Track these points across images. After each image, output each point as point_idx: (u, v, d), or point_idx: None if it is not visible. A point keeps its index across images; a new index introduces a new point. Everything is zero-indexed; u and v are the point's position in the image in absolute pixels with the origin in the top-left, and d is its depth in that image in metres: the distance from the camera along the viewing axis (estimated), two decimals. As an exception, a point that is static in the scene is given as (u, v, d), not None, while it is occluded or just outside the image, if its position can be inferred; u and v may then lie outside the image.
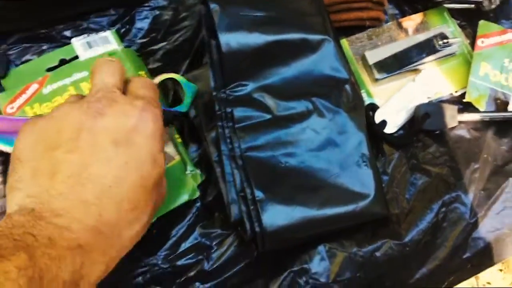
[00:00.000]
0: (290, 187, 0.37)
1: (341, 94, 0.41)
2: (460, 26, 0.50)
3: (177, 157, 0.41)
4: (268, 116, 0.39)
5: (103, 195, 0.28)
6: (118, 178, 0.28)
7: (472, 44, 0.49)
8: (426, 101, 0.47)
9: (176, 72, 0.45)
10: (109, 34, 0.46)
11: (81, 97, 0.32)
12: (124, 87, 0.33)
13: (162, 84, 0.44)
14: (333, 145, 0.39)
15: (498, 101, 0.47)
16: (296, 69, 0.40)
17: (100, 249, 0.27)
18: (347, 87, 0.41)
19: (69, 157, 0.28)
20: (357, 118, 0.41)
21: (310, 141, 0.39)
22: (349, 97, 0.41)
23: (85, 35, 0.45)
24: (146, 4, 0.48)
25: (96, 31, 0.47)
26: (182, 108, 0.41)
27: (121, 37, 0.47)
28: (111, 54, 0.44)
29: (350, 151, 0.39)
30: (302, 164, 0.38)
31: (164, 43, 0.47)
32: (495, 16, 0.51)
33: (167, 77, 0.42)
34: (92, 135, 0.28)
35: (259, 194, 0.36)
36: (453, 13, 0.51)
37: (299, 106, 0.40)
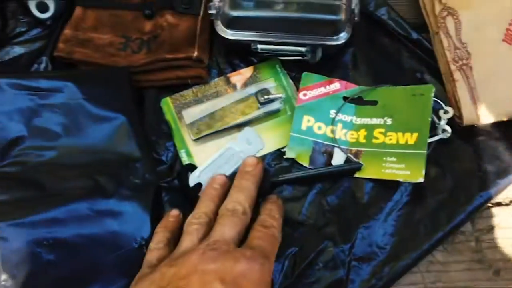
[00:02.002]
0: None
1: (129, 173, 0.40)
2: (295, 78, 0.49)
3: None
4: (39, 194, 0.38)
5: None
6: None
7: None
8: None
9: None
10: None
11: (199, 241, 0.35)
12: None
13: None
14: (107, 229, 0.38)
15: (325, 154, 0.46)
16: (83, 143, 0.40)
17: None
18: (138, 165, 0.40)
19: None
20: (143, 198, 0.39)
21: (83, 223, 0.37)
22: (138, 176, 0.40)
23: None
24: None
25: None
26: None
27: None
28: None
29: (127, 235, 0.38)
30: (66, 252, 0.36)
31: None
32: (334, 66, 0.49)
33: None
34: (201, 276, 0.31)
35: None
36: (289, 65, 0.49)
37: (78, 184, 0.39)
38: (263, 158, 0.46)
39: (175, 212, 0.40)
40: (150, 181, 0.41)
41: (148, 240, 0.39)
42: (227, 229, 0.35)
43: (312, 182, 0.45)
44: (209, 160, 0.45)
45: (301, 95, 0.47)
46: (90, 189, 0.38)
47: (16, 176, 0.39)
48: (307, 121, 0.46)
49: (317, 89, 0.47)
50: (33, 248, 0.36)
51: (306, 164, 0.45)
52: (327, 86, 0.47)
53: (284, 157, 0.45)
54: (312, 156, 0.45)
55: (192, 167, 0.45)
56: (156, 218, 0.41)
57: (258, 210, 0.40)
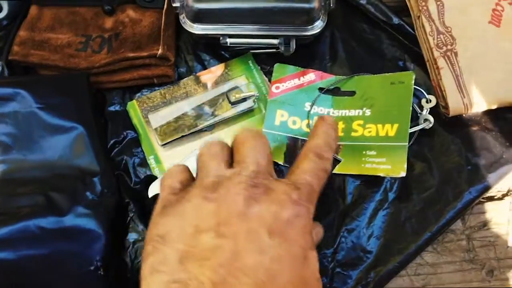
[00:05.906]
0: None
1: (86, 188, 0.37)
2: (270, 72, 0.46)
3: None
4: None
5: None
6: (272, 272, 0.25)
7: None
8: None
9: None
10: None
11: (226, 165, 0.29)
12: None
13: None
14: (60, 250, 0.35)
15: (301, 150, 0.42)
16: (35, 156, 0.37)
17: None
18: (96, 180, 0.37)
19: (220, 242, 0.25)
20: (100, 216, 0.36)
21: (33, 243, 0.34)
22: (96, 192, 0.37)
23: None
24: None
25: None
26: None
27: None
28: None
29: (83, 256, 0.35)
30: (13, 276, 0.34)
31: None
32: (311, 56, 0.46)
33: None
34: (245, 221, 0.26)
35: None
36: (264, 59, 0.46)
37: (29, 201, 0.36)
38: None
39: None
40: (109, 197, 0.38)
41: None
42: (259, 155, 0.29)
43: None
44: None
45: (273, 88, 0.44)
46: (42, 207, 0.35)
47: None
48: (280, 116, 0.43)
49: (291, 81, 0.44)
50: None
51: (281, 162, 0.42)
52: (301, 78, 0.44)
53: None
54: (287, 153, 0.42)
55: (152, 178, 0.42)
56: (118, 238, 0.38)
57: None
